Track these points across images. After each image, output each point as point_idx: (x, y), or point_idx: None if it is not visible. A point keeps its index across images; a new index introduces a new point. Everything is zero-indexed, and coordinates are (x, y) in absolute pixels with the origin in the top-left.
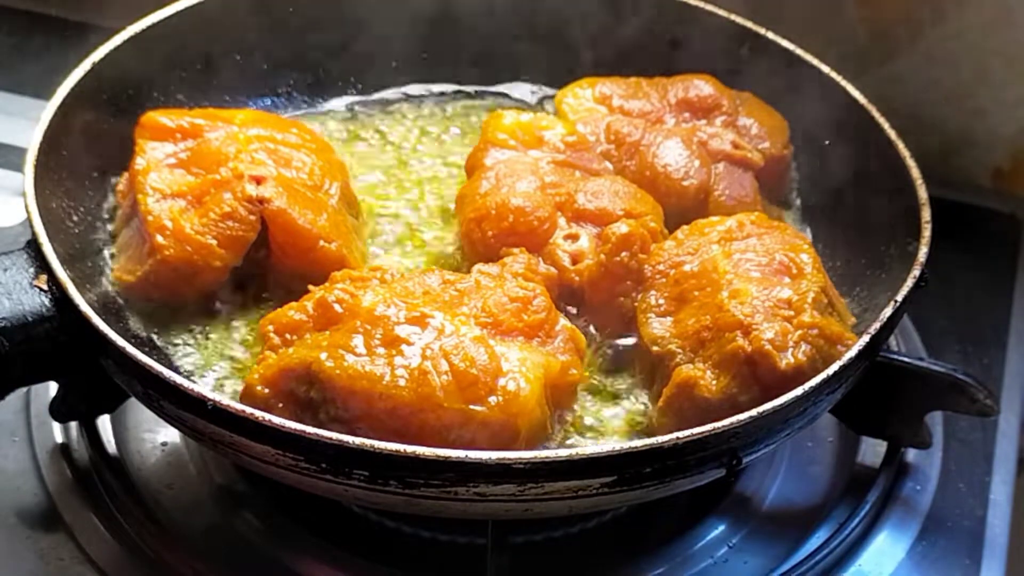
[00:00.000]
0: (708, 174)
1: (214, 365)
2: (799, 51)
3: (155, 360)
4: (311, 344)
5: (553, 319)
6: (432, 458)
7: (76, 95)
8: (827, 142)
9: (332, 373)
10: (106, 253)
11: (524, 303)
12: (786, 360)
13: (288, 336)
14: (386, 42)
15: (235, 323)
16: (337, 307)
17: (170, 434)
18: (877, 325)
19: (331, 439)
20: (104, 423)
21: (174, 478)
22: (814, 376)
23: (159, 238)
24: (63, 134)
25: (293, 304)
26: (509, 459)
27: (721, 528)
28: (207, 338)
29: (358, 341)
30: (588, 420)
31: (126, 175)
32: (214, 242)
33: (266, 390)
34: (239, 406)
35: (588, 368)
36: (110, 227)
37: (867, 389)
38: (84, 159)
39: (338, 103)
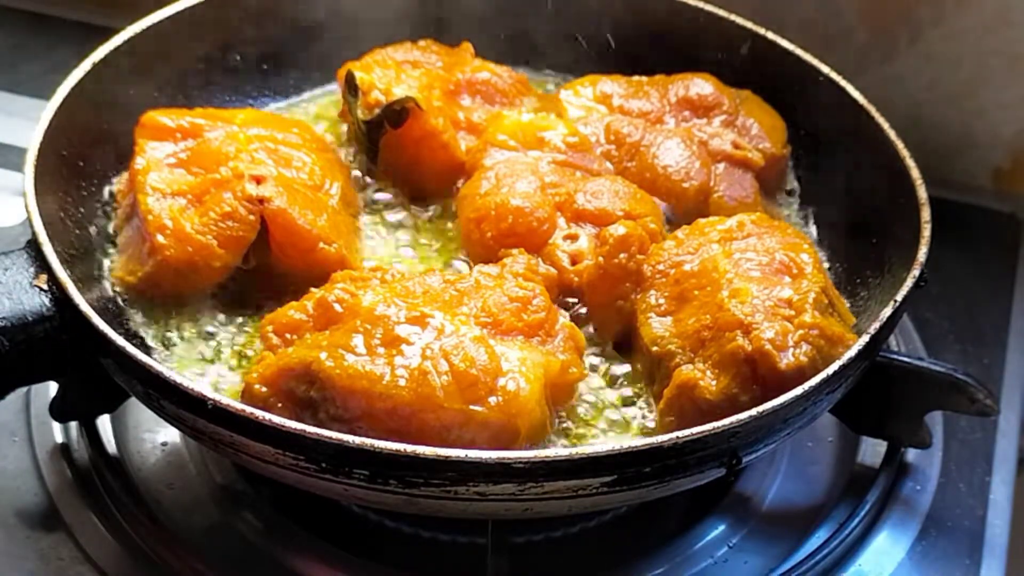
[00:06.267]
0: (708, 175)
1: (214, 364)
2: (799, 51)
3: (155, 360)
4: (311, 344)
5: (553, 318)
6: (432, 458)
7: (76, 95)
8: (827, 142)
9: (332, 372)
10: (106, 253)
11: (524, 303)
12: (786, 360)
13: (288, 336)
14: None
15: (235, 322)
16: (337, 307)
17: (170, 434)
18: (877, 325)
19: (331, 439)
20: (104, 423)
21: (174, 478)
22: (814, 376)
23: (159, 237)
24: (63, 134)
25: (293, 304)
26: (509, 459)
27: (721, 528)
28: (207, 337)
29: (358, 341)
30: (587, 419)
31: (126, 175)
32: (214, 242)
33: (265, 389)
34: (239, 405)
35: (587, 367)
36: (110, 227)
37: (867, 389)
38: (84, 159)
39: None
